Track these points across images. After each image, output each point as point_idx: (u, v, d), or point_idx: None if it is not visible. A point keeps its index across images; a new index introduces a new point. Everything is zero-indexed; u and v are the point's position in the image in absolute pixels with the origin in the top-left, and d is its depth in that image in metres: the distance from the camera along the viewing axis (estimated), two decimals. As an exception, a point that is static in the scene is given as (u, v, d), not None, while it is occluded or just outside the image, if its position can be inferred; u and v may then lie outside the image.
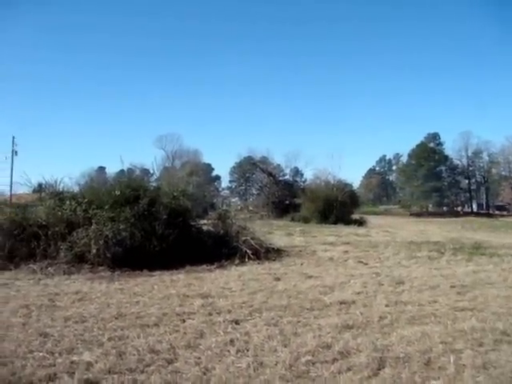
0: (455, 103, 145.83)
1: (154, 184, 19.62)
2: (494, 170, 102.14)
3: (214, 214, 17.78)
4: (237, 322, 7.43)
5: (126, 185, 15.21)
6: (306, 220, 39.66)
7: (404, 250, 17.10)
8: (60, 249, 13.37)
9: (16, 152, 60.70)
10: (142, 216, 14.07)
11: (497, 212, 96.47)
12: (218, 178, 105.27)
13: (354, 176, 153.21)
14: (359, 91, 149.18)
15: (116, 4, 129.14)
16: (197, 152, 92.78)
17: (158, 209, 14.51)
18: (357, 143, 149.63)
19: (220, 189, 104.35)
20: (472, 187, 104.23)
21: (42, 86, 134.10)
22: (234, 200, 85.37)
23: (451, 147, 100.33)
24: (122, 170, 27.35)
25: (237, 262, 14.23)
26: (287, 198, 56.79)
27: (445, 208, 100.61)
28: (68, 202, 14.74)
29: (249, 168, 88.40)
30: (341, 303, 8.72)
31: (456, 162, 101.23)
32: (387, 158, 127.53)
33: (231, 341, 6.43)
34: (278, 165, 76.38)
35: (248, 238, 15.68)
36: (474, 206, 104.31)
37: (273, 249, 16.42)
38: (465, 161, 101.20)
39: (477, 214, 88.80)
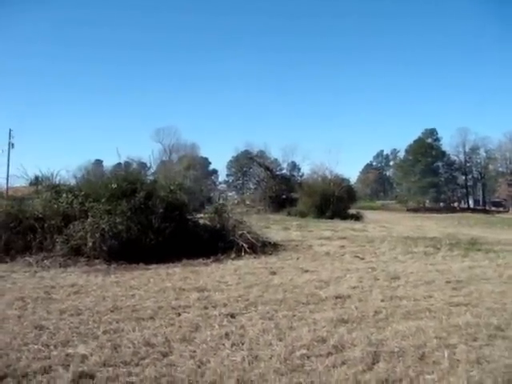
0: (453, 99, 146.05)
1: (150, 177, 19.59)
2: (490, 167, 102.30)
3: (211, 207, 17.77)
4: (232, 316, 7.44)
5: (123, 178, 15.20)
6: (302, 214, 39.65)
7: (400, 245, 17.12)
8: (56, 242, 13.38)
9: (13, 145, 60.52)
10: (138, 209, 14.06)
11: (493, 208, 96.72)
12: (215, 172, 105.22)
13: (351, 171, 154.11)
14: (357, 86, 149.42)
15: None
16: (194, 146, 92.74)
17: (155, 202, 14.50)
18: (354, 138, 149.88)
19: (217, 183, 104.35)
20: (469, 183, 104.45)
21: (40, 80, 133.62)
22: (230, 194, 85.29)
23: (449, 143, 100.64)
24: (119, 164, 27.29)
25: (233, 255, 14.25)
26: (284, 192, 56.77)
27: (441, 204, 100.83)
28: (64, 195, 14.72)
29: (246, 162, 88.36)
30: (336, 297, 8.74)
31: (453, 157, 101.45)
32: (384, 153, 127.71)
33: (226, 334, 6.44)
34: (275, 159, 76.33)
35: (244, 232, 15.69)
36: (471, 202, 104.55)
37: (269, 243, 16.42)
38: (462, 157, 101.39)
39: (473, 210, 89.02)
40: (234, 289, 9.60)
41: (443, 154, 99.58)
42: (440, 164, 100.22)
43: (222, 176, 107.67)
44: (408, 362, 5.42)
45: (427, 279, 10.68)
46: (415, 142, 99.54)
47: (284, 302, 8.37)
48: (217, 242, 14.93)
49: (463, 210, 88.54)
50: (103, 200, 14.15)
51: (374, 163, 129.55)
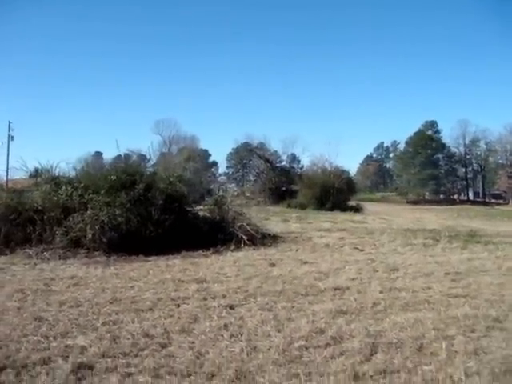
0: (453, 91, 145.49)
1: (150, 169, 19.58)
2: (491, 159, 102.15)
3: (211, 199, 17.77)
4: (231, 307, 7.46)
5: (122, 170, 15.19)
6: (302, 206, 39.66)
7: (400, 237, 17.13)
8: (56, 234, 13.39)
9: (12, 137, 60.32)
10: (137, 201, 14.06)
11: (493, 200, 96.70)
12: (214, 164, 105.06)
13: (351, 163, 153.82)
14: (357, 79, 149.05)
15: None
16: (194, 138, 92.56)
17: (154, 194, 14.51)
18: (354, 130, 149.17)
19: (217, 175, 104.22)
20: (469, 175, 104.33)
21: (39, 73, 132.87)
22: (230, 186, 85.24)
23: (449, 135, 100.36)
24: (119, 156, 27.21)
25: (232, 247, 14.28)
26: (284, 184, 56.85)
27: (441, 196, 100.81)
28: (64, 187, 14.70)
29: (246, 154, 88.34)
30: (335, 289, 8.76)
31: (453, 150, 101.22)
32: (385, 145, 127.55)
33: (225, 325, 6.46)
34: (275, 151, 76.29)
35: (244, 223, 15.70)
36: (471, 195, 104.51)
37: (269, 235, 16.46)
38: (462, 149, 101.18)
39: (473, 202, 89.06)
40: (234, 280, 9.62)
41: (443, 146, 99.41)
42: (440, 156, 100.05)
43: (222, 168, 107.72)
44: (406, 353, 5.44)
45: (426, 271, 10.70)
46: (415, 134, 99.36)
47: (283, 294, 8.40)
48: (216, 234, 14.95)
49: (463, 202, 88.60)
50: (102, 192, 14.15)
51: (374, 155, 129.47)
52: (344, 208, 38.45)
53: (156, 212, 13.95)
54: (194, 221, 15.70)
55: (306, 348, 5.60)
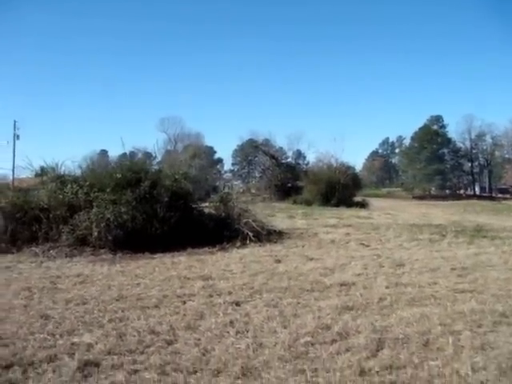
0: (459, 86, 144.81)
1: (155, 167, 19.60)
2: (497, 153, 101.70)
3: (216, 196, 17.76)
4: (237, 304, 7.48)
5: (128, 168, 15.19)
6: (308, 203, 39.57)
7: (405, 232, 17.09)
8: (62, 232, 13.44)
9: (18, 136, 60.55)
10: (143, 199, 14.09)
11: (499, 195, 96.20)
12: (220, 160, 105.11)
13: (356, 158, 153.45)
14: (362, 74, 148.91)
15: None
16: (199, 135, 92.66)
17: (160, 191, 14.52)
18: (360, 126, 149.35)
19: (222, 172, 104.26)
20: (475, 170, 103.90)
21: (43, 71, 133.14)
22: (236, 183, 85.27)
23: (454, 130, 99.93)
24: (125, 154, 27.32)
25: (238, 244, 14.27)
26: (289, 180, 56.64)
27: (447, 191, 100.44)
28: (69, 186, 14.75)
29: (251, 151, 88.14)
30: (341, 285, 8.76)
31: (459, 144, 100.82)
32: (390, 140, 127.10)
33: (231, 322, 6.48)
34: (281, 147, 76.28)
35: (249, 220, 15.69)
36: (477, 189, 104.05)
37: (274, 231, 16.44)
38: (468, 143, 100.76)
39: (479, 197, 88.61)
40: (239, 277, 9.63)
41: (449, 140, 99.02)
42: (446, 151, 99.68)
43: (228, 165, 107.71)
44: (412, 349, 5.43)
45: (432, 266, 10.67)
46: (421, 129, 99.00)
47: (289, 290, 8.40)
48: (222, 231, 14.95)
49: (469, 197, 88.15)
50: (108, 190, 14.19)
51: (380, 150, 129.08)
52: (350, 204, 38.29)
53: (161, 209, 13.96)
54: (200, 218, 15.71)
55: (312, 344, 5.60)
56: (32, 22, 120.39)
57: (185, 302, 7.60)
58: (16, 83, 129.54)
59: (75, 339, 5.75)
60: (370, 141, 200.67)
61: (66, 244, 13.07)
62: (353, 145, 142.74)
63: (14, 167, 40.91)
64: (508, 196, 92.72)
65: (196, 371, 4.87)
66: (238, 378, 4.72)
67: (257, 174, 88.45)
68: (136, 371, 4.86)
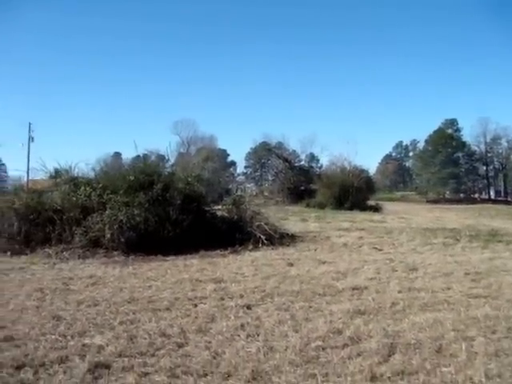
0: (473, 89, 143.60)
1: (168, 170, 19.65)
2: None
3: (229, 199, 17.77)
4: (248, 307, 7.45)
5: (141, 170, 15.27)
6: (321, 206, 39.54)
7: (419, 236, 17.00)
8: (75, 233, 13.51)
9: (32, 138, 61.06)
10: (156, 201, 14.14)
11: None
12: (233, 163, 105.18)
13: (370, 162, 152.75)
14: (376, 78, 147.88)
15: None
16: (212, 138, 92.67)
17: (172, 194, 14.58)
18: (373, 129, 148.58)
19: (235, 174, 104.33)
20: (490, 174, 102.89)
21: (56, 72, 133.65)
22: (249, 186, 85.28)
23: (469, 133, 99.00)
24: (138, 156, 27.35)
25: (250, 247, 14.27)
26: (302, 183, 56.67)
27: (462, 195, 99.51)
28: (83, 188, 14.84)
29: (264, 154, 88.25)
30: (353, 289, 8.71)
31: (474, 148, 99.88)
32: (404, 143, 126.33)
33: (242, 325, 6.45)
34: (294, 150, 76.16)
35: (262, 223, 15.70)
36: (492, 193, 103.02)
37: (287, 234, 16.44)
38: (483, 147, 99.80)
39: (494, 201, 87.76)
40: (251, 280, 9.61)
41: (464, 144, 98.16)
42: (460, 155, 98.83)
43: (241, 168, 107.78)
44: (425, 355, 5.37)
45: (446, 271, 10.58)
46: (435, 132, 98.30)
47: (300, 294, 8.36)
48: (234, 234, 14.95)
49: (484, 201, 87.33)
50: (121, 192, 14.27)
51: (394, 154, 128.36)
52: (363, 207, 38.21)
53: (174, 212, 14.00)
54: (212, 220, 15.74)
55: (323, 348, 5.56)
56: (40, 21, 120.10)
57: (196, 305, 7.59)
58: (28, 83, 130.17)
59: (86, 341, 5.76)
60: (383, 144, 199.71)
61: (79, 246, 13.13)
62: (366, 148, 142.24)
63: (28, 169, 41.16)
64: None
65: (206, 374, 4.85)
66: (248, 381, 4.70)
67: (270, 177, 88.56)
68: (146, 374, 4.85)
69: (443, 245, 15.02)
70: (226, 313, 7.10)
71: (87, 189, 14.70)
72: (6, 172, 78.49)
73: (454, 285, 9.06)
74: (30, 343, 5.66)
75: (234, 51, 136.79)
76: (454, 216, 32.02)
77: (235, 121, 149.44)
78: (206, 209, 16.11)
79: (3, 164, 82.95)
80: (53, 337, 5.89)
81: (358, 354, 5.36)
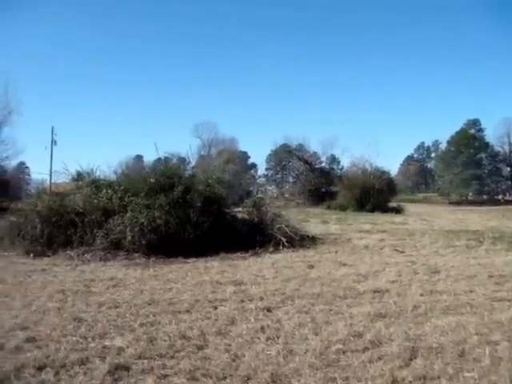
0: (497, 89, 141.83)
1: (189, 172, 19.74)
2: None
3: (249, 201, 17.77)
4: (268, 310, 7.42)
5: (161, 173, 15.37)
6: (342, 208, 39.43)
7: (441, 238, 16.82)
8: (96, 236, 13.61)
9: (55, 141, 61.58)
10: (176, 203, 14.20)
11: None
12: (254, 165, 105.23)
13: (391, 163, 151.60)
14: (398, 79, 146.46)
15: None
16: (233, 140, 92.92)
17: (193, 196, 14.63)
18: (395, 130, 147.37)
19: (256, 177, 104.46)
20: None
21: (80, 72, 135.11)
22: (270, 188, 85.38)
23: (492, 134, 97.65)
24: (159, 159, 27.60)
25: (271, 249, 14.27)
26: (323, 185, 56.60)
27: (485, 196, 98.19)
28: (104, 190, 14.97)
29: (285, 156, 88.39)
30: (374, 292, 8.63)
31: (497, 148, 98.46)
32: (426, 144, 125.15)
33: (262, 328, 6.42)
34: (315, 152, 76.12)
35: (282, 225, 15.69)
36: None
37: (307, 236, 16.38)
38: (507, 148, 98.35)
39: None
40: (271, 282, 9.59)
41: (487, 145, 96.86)
42: (483, 155, 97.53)
43: (261, 170, 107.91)
44: (447, 359, 5.28)
45: (469, 273, 10.43)
46: (457, 133, 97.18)
47: (321, 296, 8.31)
48: (255, 236, 14.94)
49: (508, 203, 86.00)
50: (142, 194, 14.37)
51: (415, 155, 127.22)
52: (384, 209, 38.02)
53: (195, 214, 14.05)
54: (233, 223, 15.75)
55: (344, 352, 5.51)
56: (65, 20, 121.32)
57: (216, 307, 7.59)
58: (50, 83, 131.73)
59: (107, 342, 5.79)
60: (405, 145, 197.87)
61: (101, 248, 13.23)
62: (388, 149, 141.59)
63: (51, 172, 41.69)
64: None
65: (225, 377, 4.84)
66: (268, 385, 4.68)
67: (290, 179, 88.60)
68: (166, 376, 4.85)
69: (466, 247, 14.84)
70: (246, 315, 7.08)
71: (109, 191, 14.83)
72: (29, 175, 79.48)
73: (477, 288, 8.93)
74: (51, 344, 5.71)
75: (256, 53, 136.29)
76: (477, 218, 31.59)
77: (256, 123, 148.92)
78: (227, 211, 16.14)
79: (27, 167, 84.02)
80: (74, 338, 5.93)
81: (379, 358, 5.30)
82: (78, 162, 18.22)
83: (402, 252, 13.89)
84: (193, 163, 58.24)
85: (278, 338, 6.03)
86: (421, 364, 5.12)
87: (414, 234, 18.33)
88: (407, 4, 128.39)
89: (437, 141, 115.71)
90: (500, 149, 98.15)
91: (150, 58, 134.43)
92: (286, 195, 63.63)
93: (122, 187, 14.97)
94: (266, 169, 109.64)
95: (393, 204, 41.92)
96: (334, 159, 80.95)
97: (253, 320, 6.82)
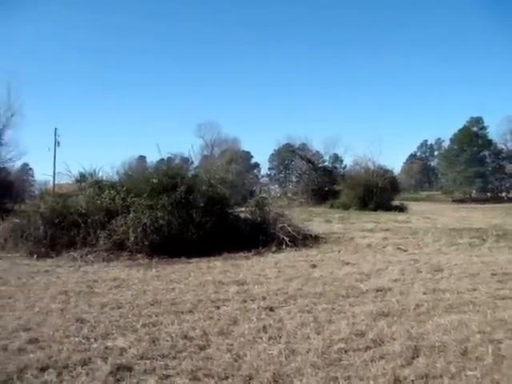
0: (500, 87, 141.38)
1: (192, 172, 19.74)
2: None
3: (252, 201, 17.76)
4: (271, 309, 7.43)
5: (164, 173, 15.38)
6: (345, 207, 39.39)
7: (444, 236, 16.79)
8: (99, 237, 13.63)
9: (59, 143, 61.71)
10: (179, 204, 14.21)
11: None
12: (257, 165, 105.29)
13: (394, 162, 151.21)
14: (400, 77, 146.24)
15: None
16: (235, 140, 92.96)
17: (196, 196, 14.64)
18: (398, 129, 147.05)
19: (259, 176, 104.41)
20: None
21: (81, 73, 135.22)
22: (273, 187, 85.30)
23: (495, 131, 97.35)
24: (162, 159, 27.60)
25: (274, 249, 14.26)
26: (326, 184, 56.44)
27: (488, 194, 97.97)
28: (107, 191, 14.99)
29: (288, 155, 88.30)
30: (377, 290, 8.63)
31: (500, 146, 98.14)
32: (429, 143, 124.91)
33: (264, 328, 6.43)
34: (317, 151, 76.08)
35: (285, 224, 15.68)
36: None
37: (310, 235, 16.37)
38: (510, 145, 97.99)
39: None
40: (274, 282, 9.59)
41: (490, 142, 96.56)
42: (487, 153, 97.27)
43: (264, 169, 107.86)
44: (449, 357, 5.27)
45: (472, 271, 10.41)
46: (460, 130, 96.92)
47: (323, 295, 8.31)
48: (258, 235, 14.94)
49: (511, 200, 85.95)
50: (145, 195, 14.38)
51: (418, 153, 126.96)
52: (388, 208, 37.97)
53: (197, 214, 14.05)
54: (236, 222, 15.76)
55: (346, 351, 5.50)
56: (64, 19, 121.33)
57: (219, 307, 7.59)
58: (55, 84, 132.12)
59: (109, 343, 5.80)
60: (408, 144, 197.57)
61: (104, 249, 13.25)
62: (391, 148, 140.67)
63: (54, 173, 41.78)
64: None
65: (227, 377, 4.84)
66: (270, 384, 4.67)
67: (293, 179, 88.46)
68: (168, 376, 4.86)
69: (469, 245, 14.82)
70: (248, 315, 7.08)
71: (111, 192, 14.85)
72: (33, 176, 79.68)
73: (480, 286, 8.91)
74: (54, 345, 5.72)
75: (257, 52, 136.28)
76: (481, 216, 31.52)
77: (259, 123, 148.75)
78: (230, 211, 16.14)
79: (30, 168, 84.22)
80: (76, 339, 5.94)
81: (381, 357, 5.29)
82: (80, 163, 18.25)
83: (405, 250, 13.88)
84: (196, 163, 58.25)
85: (280, 337, 6.03)
86: (423, 363, 5.11)
87: (417, 232, 18.31)
88: (408, 2, 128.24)
89: (440, 139, 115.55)
90: (503, 146, 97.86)
91: (152, 58, 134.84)
92: (289, 194, 63.51)
93: (125, 188, 14.98)
94: (269, 168, 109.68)
95: (396, 202, 41.84)
96: (336, 158, 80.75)
97: (255, 320, 6.83)
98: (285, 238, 14.91)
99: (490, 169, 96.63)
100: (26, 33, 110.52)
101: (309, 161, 64.20)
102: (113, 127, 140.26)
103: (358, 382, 4.70)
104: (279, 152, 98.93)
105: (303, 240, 15.53)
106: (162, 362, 5.20)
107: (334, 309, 7.45)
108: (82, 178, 17.55)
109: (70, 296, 8.38)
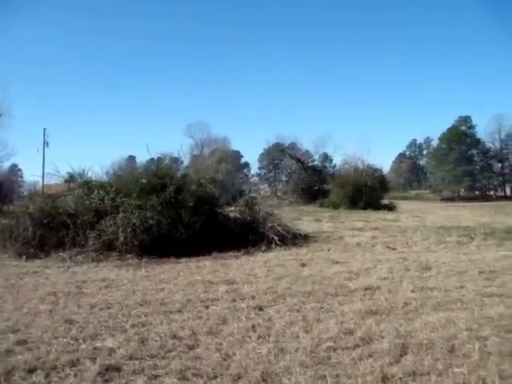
0: (488, 86, 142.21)
1: (181, 172, 19.71)
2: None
3: (242, 200, 17.77)
4: (260, 308, 7.44)
5: (153, 173, 15.36)
6: (335, 206, 39.46)
7: (433, 235, 16.89)
8: (88, 237, 13.60)
9: (47, 143, 61.43)
10: (168, 204, 14.20)
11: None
12: (246, 165, 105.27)
13: (383, 161, 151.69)
14: (389, 76, 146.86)
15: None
16: (225, 139, 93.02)
17: (185, 196, 14.63)
18: (386, 128, 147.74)
19: (249, 176, 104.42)
20: (505, 171, 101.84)
21: (71, 73, 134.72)
22: (263, 187, 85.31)
23: (483, 130, 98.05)
24: (152, 159, 27.53)
25: (263, 248, 14.30)
26: (316, 183, 56.57)
27: (477, 192, 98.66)
28: (96, 191, 14.96)
29: (277, 154, 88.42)
30: (366, 289, 8.66)
31: (488, 145, 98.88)
32: (417, 142, 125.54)
33: (253, 327, 6.44)
34: (307, 151, 76.31)
35: (275, 224, 15.71)
36: (508, 190, 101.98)
37: (300, 235, 16.42)
38: (498, 144, 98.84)
39: (510, 198, 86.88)
40: (263, 281, 9.61)
41: (478, 141, 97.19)
42: (475, 152, 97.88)
43: (254, 169, 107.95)
44: (437, 355, 5.31)
45: (459, 269, 10.48)
46: (449, 129, 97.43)
47: (312, 294, 8.34)
48: (247, 235, 14.97)
49: (499, 199, 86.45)
50: (134, 195, 14.36)
51: (407, 152, 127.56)
52: (377, 207, 38.09)
53: (187, 214, 14.05)
54: (225, 222, 15.77)
55: (334, 349, 5.53)
56: (60, 20, 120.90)
57: (208, 307, 7.60)
58: (43, 85, 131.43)
59: (98, 344, 5.79)
60: (397, 143, 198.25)
61: (93, 249, 13.21)
62: (380, 147, 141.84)
63: (43, 174, 41.54)
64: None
65: (216, 376, 4.85)
66: (258, 383, 4.68)
67: (283, 178, 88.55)
68: (156, 376, 4.86)
69: (457, 243, 14.91)
70: (237, 314, 7.09)
71: (100, 192, 14.82)
72: (22, 177, 79.18)
73: (467, 283, 8.97)
74: (42, 346, 5.70)
75: (246, 52, 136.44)
76: (469, 214, 31.71)
77: (248, 122, 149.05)
78: (219, 210, 16.15)
79: (19, 169, 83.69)
80: (65, 340, 5.92)
81: (369, 355, 5.32)
82: (69, 163, 18.20)
83: (394, 249, 13.95)
84: (186, 163, 58.23)
85: (269, 336, 6.05)
86: (411, 360, 5.15)
87: (405, 230, 18.40)
88: (398, 2, 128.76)
89: (428, 138, 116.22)
90: (491, 145, 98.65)
91: (140, 59, 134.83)
92: (279, 194, 63.70)
93: (114, 188, 14.96)
94: (259, 168, 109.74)
95: (385, 201, 41.98)
96: (326, 157, 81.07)
97: (244, 319, 6.83)
98: (274, 237, 14.94)
99: (478, 167, 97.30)
100: (24, 35, 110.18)
101: (298, 160, 64.29)
102: (102, 128, 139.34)
103: (347, 380, 4.72)
104: (269, 151, 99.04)
105: (293, 239, 15.57)
106: (150, 362, 5.19)
107: (322, 307, 7.47)
108: (71, 178, 17.48)
109: (58, 297, 8.36)
